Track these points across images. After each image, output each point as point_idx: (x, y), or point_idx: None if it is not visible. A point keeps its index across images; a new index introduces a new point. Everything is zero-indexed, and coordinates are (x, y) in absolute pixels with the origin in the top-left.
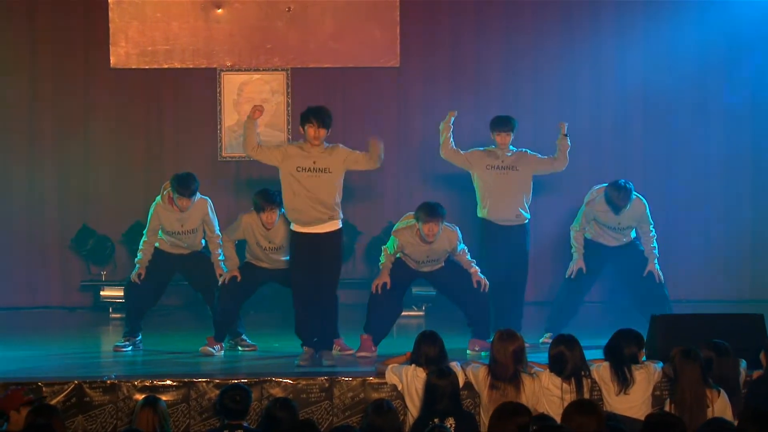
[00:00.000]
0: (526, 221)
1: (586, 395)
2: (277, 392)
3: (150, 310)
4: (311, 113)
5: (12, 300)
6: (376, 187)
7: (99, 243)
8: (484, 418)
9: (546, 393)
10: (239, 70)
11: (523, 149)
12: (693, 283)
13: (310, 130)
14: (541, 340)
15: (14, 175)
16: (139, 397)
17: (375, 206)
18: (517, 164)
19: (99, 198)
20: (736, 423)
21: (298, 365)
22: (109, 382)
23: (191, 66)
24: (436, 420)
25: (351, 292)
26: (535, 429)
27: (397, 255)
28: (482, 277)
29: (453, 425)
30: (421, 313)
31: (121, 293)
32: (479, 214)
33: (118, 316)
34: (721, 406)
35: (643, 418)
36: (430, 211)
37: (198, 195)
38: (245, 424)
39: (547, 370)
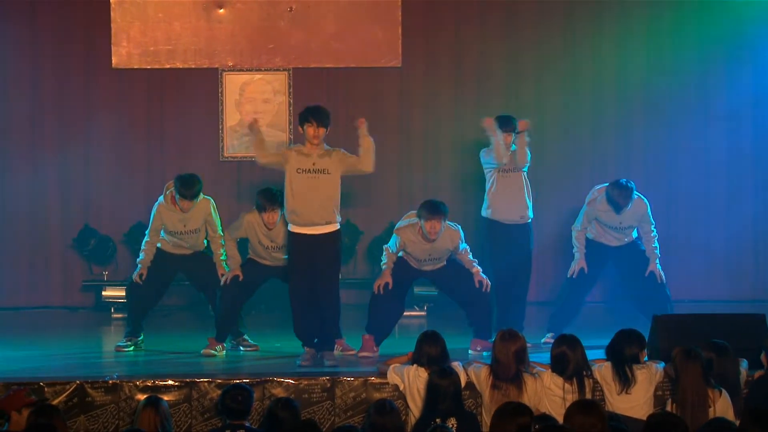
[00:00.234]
0: (530, 221)
1: (588, 395)
2: (278, 392)
3: (152, 310)
4: (309, 113)
5: (13, 300)
6: (378, 187)
7: (101, 243)
8: (486, 419)
9: (548, 393)
10: (241, 70)
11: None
12: (694, 283)
13: (309, 130)
14: (542, 340)
15: (16, 176)
16: (141, 397)
17: (376, 206)
18: (518, 164)
19: (101, 198)
20: (737, 423)
21: (299, 365)
22: (110, 382)
23: (193, 66)
24: (437, 420)
25: (352, 293)
26: (537, 429)
27: (399, 254)
28: (484, 277)
29: (455, 425)
30: (422, 313)
31: (123, 293)
32: (483, 214)
33: (120, 316)
34: (722, 407)
35: (644, 418)
36: (433, 209)
37: (201, 195)
38: (247, 424)
39: (549, 370)
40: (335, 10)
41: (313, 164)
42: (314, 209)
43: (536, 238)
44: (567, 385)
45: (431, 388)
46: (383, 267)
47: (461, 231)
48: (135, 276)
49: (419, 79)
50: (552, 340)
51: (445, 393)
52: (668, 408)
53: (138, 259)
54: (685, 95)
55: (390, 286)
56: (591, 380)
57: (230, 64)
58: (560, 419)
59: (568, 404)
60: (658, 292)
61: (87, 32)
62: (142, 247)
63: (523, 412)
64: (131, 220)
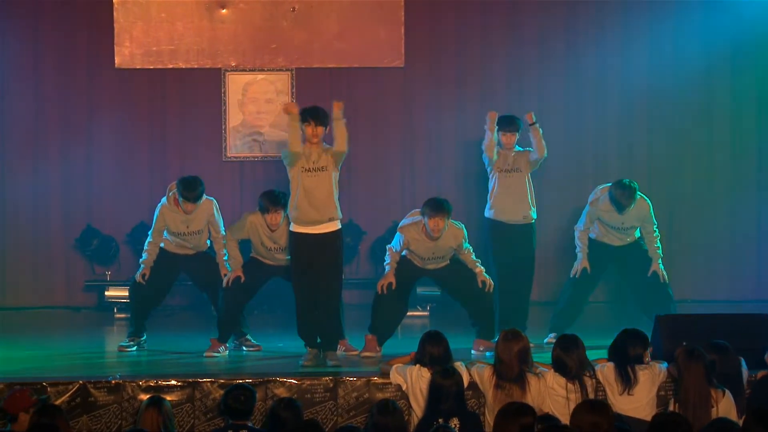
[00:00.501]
0: (533, 221)
1: (591, 395)
2: (281, 392)
3: (155, 310)
4: (307, 113)
5: (16, 300)
6: (381, 187)
7: (103, 243)
8: (489, 419)
9: (551, 393)
10: (244, 70)
11: (521, 149)
12: (697, 283)
13: (308, 129)
14: (545, 340)
15: (19, 175)
16: (144, 397)
17: (379, 206)
18: (521, 165)
19: (103, 198)
20: (741, 423)
21: (302, 365)
22: (113, 382)
23: (196, 66)
24: (440, 420)
25: (355, 292)
26: (540, 429)
27: (403, 252)
28: (487, 277)
29: (457, 425)
30: (425, 313)
31: (126, 293)
32: (486, 214)
33: (123, 316)
34: (725, 407)
35: (647, 419)
36: (436, 206)
37: (204, 197)
38: (249, 424)
39: (552, 369)
40: (338, 10)
41: (314, 162)
42: (316, 207)
43: (539, 238)
44: (570, 385)
45: (434, 389)
46: (386, 267)
47: (465, 229)
48: (138, 276)
49: (422, 79)
50: (555, 340)
51: (447, 393)
52: (671, 408)
53: (141, 260)
54: (688, 95)
55: (393, 287)
56: (594, 380)
57: (233, 64)
58: (563, 419)
59: (571, 404)
60: (661, 293)
61: (90, 32)
62: (145, 248)
63: (526, 413)
64: (134, 220)
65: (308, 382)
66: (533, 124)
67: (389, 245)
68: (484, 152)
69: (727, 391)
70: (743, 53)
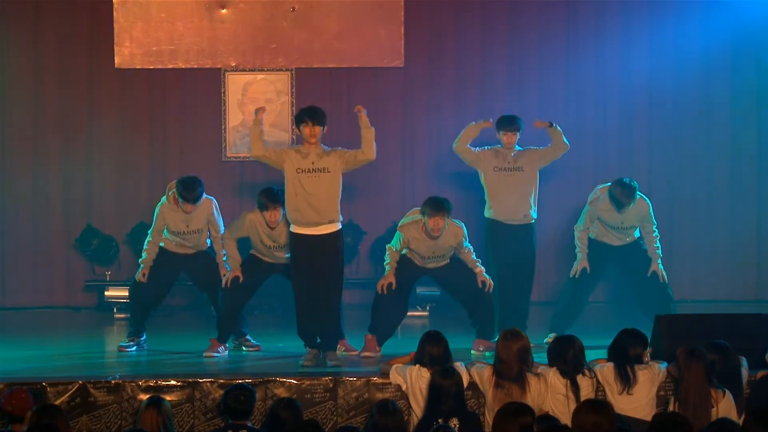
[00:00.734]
0: (533, 221)
1: (592, 395)
2: (281, 392)
3: (155, 310)
4: (304, 113)
5: (16, 300)
6: (381, 187)
7: (103, 243)
8: (489, 419)
9: (552, 392)
10: (244, 70)
11: (526, 147)
12: (698, 283)
13: (306, 130)
14: (545, 340)
15: (19, 176)
16: (144, 397)
17: (379, 206)
18: (523, 164)
19: (103, 198)
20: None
21: (302, 365)
22: (113, 382)
23: (195, 66)
24: (440, 420)
25: (355, 293)
26: (540, 429)
27: (403, 251)
28: (487, 277)
29: (457, 426)
30: (425, 313)
31: (126, 293)
32: (486, 214)
33: (123, 316)
34: (726, 407)
35: (647, 419)
36: (436, 206)
37: (203, 196)
38: (249, 424)
39: (555, 368)
40: (338, 10)
41: (313, 163)
42: (316, 208)
43: (538, 238)
44: (570, 384)
45: (434, 389)
46: (386, 267)
47: (465, 228)
48: (138, 275)
49: (422, 79)
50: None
51: (447, 393)
52: (671, 407)
53: (140, 259)
54: (689, 96)
55: (394, 287)
56: (594, 380)
57: (233, 64)
58: (564, 418)
59: (569, 403)
60: (661, 292)
61: (90, 32)
62: (145, 247)
63: (525, 412)
64: (134, 220)
65: (308, 382)
66: (551, 126)
67: (389, 244)
68: (455, 150)
69: (727, 392)
70: (743, 53)
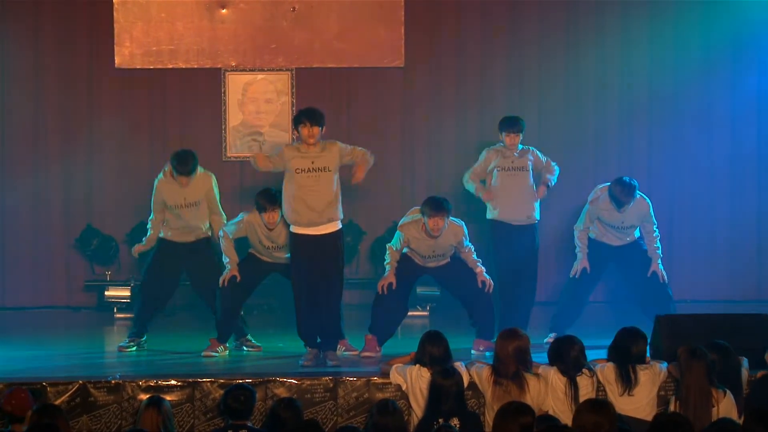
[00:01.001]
0: (536, 221)
1: (592, 395)
2: (281, 392)
3: (160, 311)
4: (302, 114)
5: (16, 300)
6: (381, 187)
7: (103, 243)
8: (489, 418)
9: (553, 391)
10: (244, 70)
11: (529, 147)
12: (698, 283)
13: (304, 130)
14: (545, 340)
15: (19, 175)
16: (144, 397)
17: (379, 206)
18: (525, 164)
19: (103, 198)
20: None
21: (302, 365)
22: (113, 382)
23: (195, 66)
24: (440, 420)
25: (355, 293)
26: (539, 429)
27: (403, 250)
28: (487, 277)
29: (458, 425)
30: (425, 313)
31: (126, 293)
32: (489, 216)
33: (123, 316)
34: (726, 407)
35: (648, 419)
36: (436, 206)
37: (200, 169)
38: (249, 424)
39: (556, 368)
40: (338, 10)
41: (312, 163)
42: (317, 208)
43: (539, 238)
44: (570, 384)
45: (434, 389)
46: (387, 267)
47: (464, 227)
48: (141, 245)
49: (422, 79)
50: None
51: (447, 393)
52: (671, 407)
53: (144, 238)
54: (688, 95)
55: (394, 287)
56: (594, 380)
57: (233, 64)
58: (564, 417)
59: (570, 402)
60: (661, 292)
61: (90, 32)
62: (149, 225)
63: (525, 412)
64: (134, 220)
65: (308, 382)
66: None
67: (389, 244)
68: (469, 176)
69: (728, 391)
70: (743, 53)
